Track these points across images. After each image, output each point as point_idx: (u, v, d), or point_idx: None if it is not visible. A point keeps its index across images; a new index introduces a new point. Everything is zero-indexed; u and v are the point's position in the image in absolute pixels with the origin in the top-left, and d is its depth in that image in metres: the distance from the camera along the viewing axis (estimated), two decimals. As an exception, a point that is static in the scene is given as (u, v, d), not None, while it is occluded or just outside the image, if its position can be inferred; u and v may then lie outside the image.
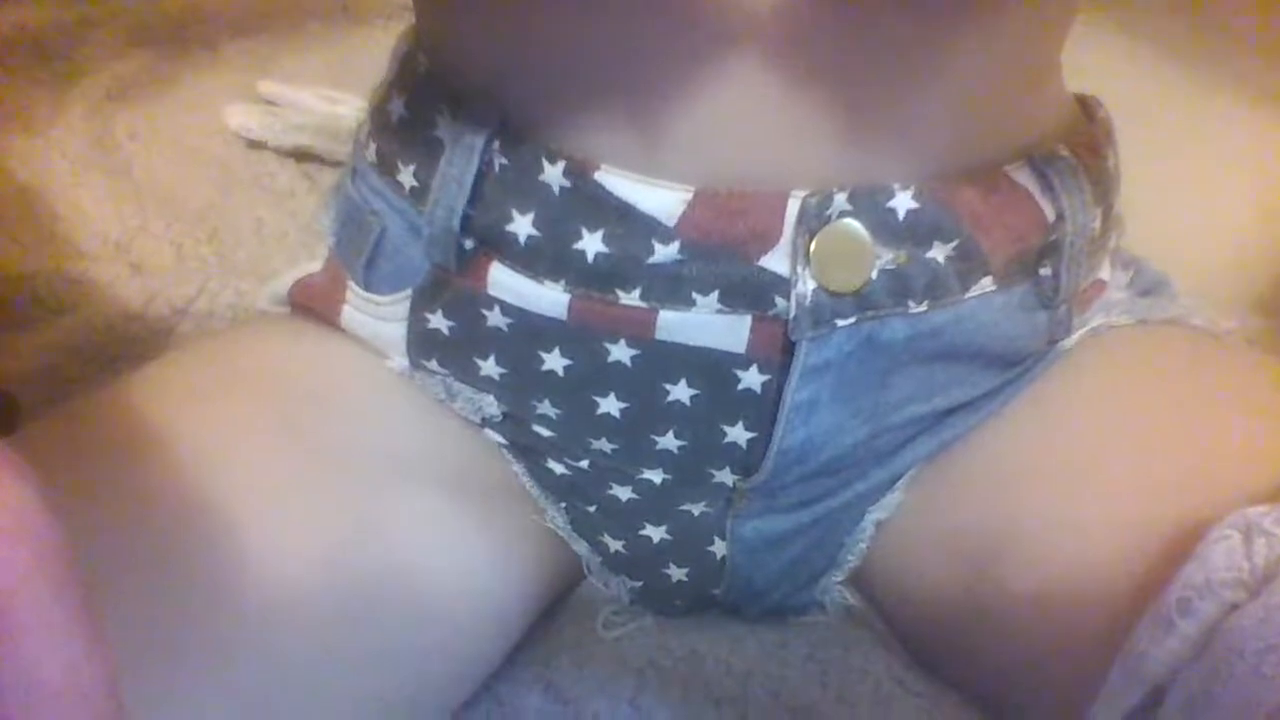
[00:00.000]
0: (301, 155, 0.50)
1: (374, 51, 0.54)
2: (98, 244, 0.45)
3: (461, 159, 0.29)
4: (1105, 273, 0.35)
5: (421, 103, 0.30)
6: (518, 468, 0.35)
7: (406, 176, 0.31)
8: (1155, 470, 0.30)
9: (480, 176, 0.29)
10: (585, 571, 0.37)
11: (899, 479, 0.34)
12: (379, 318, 0.33)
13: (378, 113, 0.32)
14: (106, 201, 0.47)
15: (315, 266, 0.35)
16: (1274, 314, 0.53)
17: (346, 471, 0.31)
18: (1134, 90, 0.57)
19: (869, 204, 0.28)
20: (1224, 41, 0.58)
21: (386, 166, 0.31)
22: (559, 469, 0.34)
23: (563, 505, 0.35)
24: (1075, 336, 0.34)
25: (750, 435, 0.31)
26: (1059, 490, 0.31)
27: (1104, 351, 0.34)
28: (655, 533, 0.34)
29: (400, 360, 0.33)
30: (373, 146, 0.32)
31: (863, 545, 0.35)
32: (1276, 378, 0.32)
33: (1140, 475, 0.30)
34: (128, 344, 0.41)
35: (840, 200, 0.28)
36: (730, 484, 0.33)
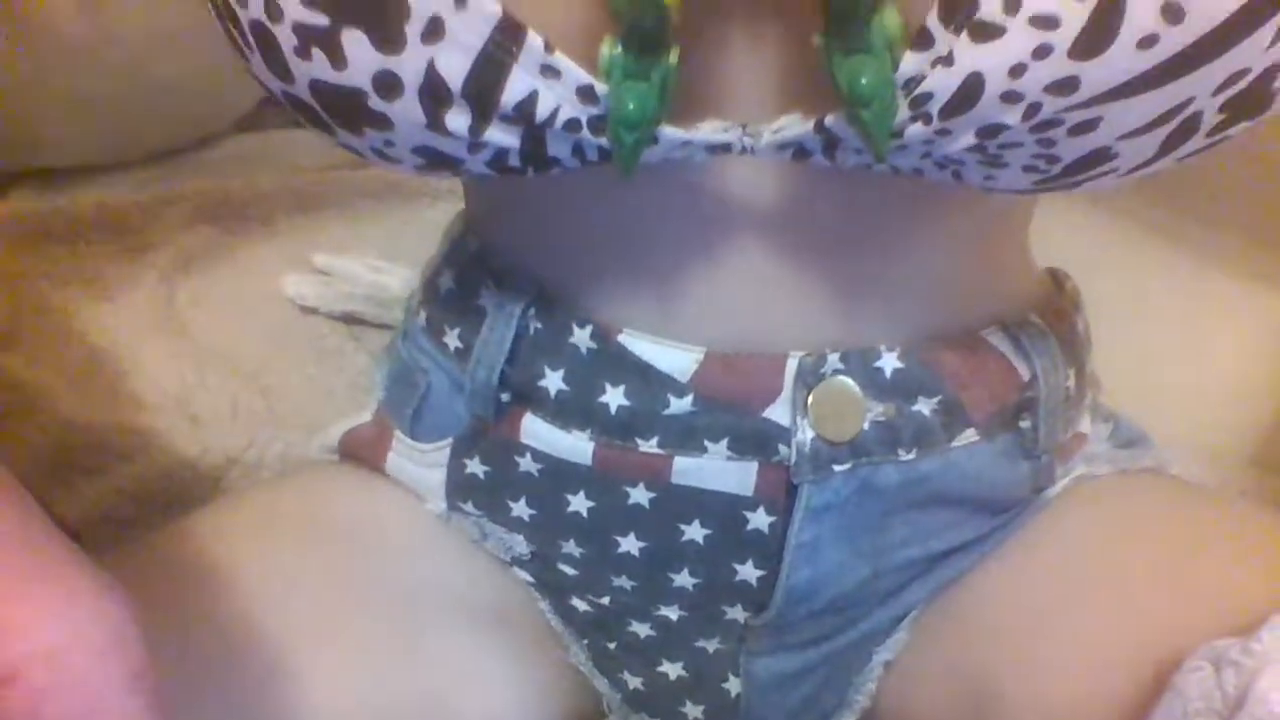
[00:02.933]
0: (350, 319, 0.55)
1: (418, 226, 0.60)
2: (159, 398, 0.49)
3: (502, 324, 0.33)
4: (1086, 426, 0.38)
5: (468, 276, 0.35)
6: (544, 605, 0.37)
7: (452, 339, 0.35)
8: (1134, 611, 0.32)
9: (517, 339, 0.33)
10: (605, 710, 0.39)
11: (902, 620, 0.36)
12: (422, 464, 0.36)
13: (428, 285, 0.37)
14: (168, 360, 0.52)
15: (364, 418, 0.39)
16: (1266, 468, 0.56)
17: (388, 608, 0.34)
18: (1125, 264, 0.62)
19: (859, 364, 0.31)
20: (1206, 224, 0.63)
21: (435, 330, 0.36)
22: (582, 606, 0.36)
23: (585, 642, 0.37)
24: (1060, 485, 0.36)
25: (760, 573, 0.34)
26: (1047, 632, 0.33)
27: (1086, 500, 0.36)
28: (672, 669, 0.36)
29: (439, 503, 0.36)
30: (423, 313, 0.37)
31: (871, 685, 0.37)
32: (1246, 520, 0.35)
33: (1121, 616, 0.32)
34: (182, 490, 0.44)
35: (833, 360, 0.31)
36: (742, 621, 0.35)
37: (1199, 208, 0.62)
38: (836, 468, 0.32)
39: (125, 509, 0.43)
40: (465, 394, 0.34)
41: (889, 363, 0.32)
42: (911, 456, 0.32)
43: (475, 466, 0.35)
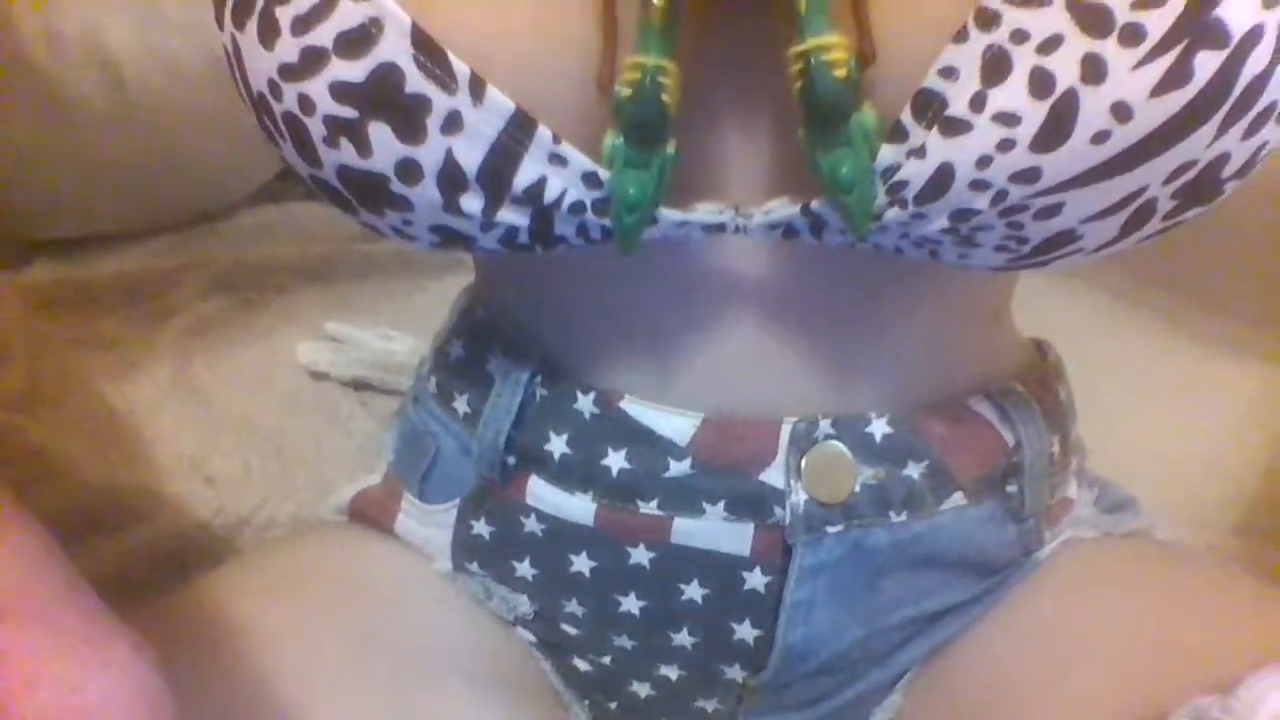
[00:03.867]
0: (359, 385, 0.56)
1: (426, 297, 0.63)
2: (174, 461, 0.51)
3: (509, 391, 0.35)
4: (1073, 491, 0.39)
5: (477, 345, 0.37)
6: (546, 665, 0.38)
7: (461, 404, 0.36)
8: (1120, 672, 0.33)
9: (524, 405, 0.35)
10: (606, 770, 0.39)
11: (898, 682, 0.37)
12: (430, 524, 0.38)
13: (439, 353, 0.39)
14: (185, 423, 0.53)
15: (374, 480, 0.41)
16: (1251, 534, 0.57)
17: (394, 668, 0.35)
18: (1111, 336, 0.64)
19: (849, 429, 0.33)
20: (1188, 299, 0.65)
21: (444, 396, 0.37)
22: (584, 666, 0.37)
23: (586, 702, 0.38)
24: (1048, 549, 0.38)
25: (756, 633, 0.35)
26: (1037, 695, 0.34)
27: (1074, 563, 0.37)
28: (672, 730, 0.37)
29: (445, 563, 0.38)
30: (433, 380, 0.38)
31: (868, 747, 0.38)
32: (1226, 582, 0.36)
33: (1107, 677, 0.33)
34: (196, 550, 0.45)
35: (825, 426, 0.33)
36: (740, 681, 0.36)
37: (1181, 282, 0.64)
38: (829, 529, 0.33)
39: (141, 569, 0.44)
40: (473, 457, 0.36)
41: (879, 428, 0.33)
42: (902, 519, 0.34)
43: (481, 527, 0.36)
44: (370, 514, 0.39)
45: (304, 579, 0.37)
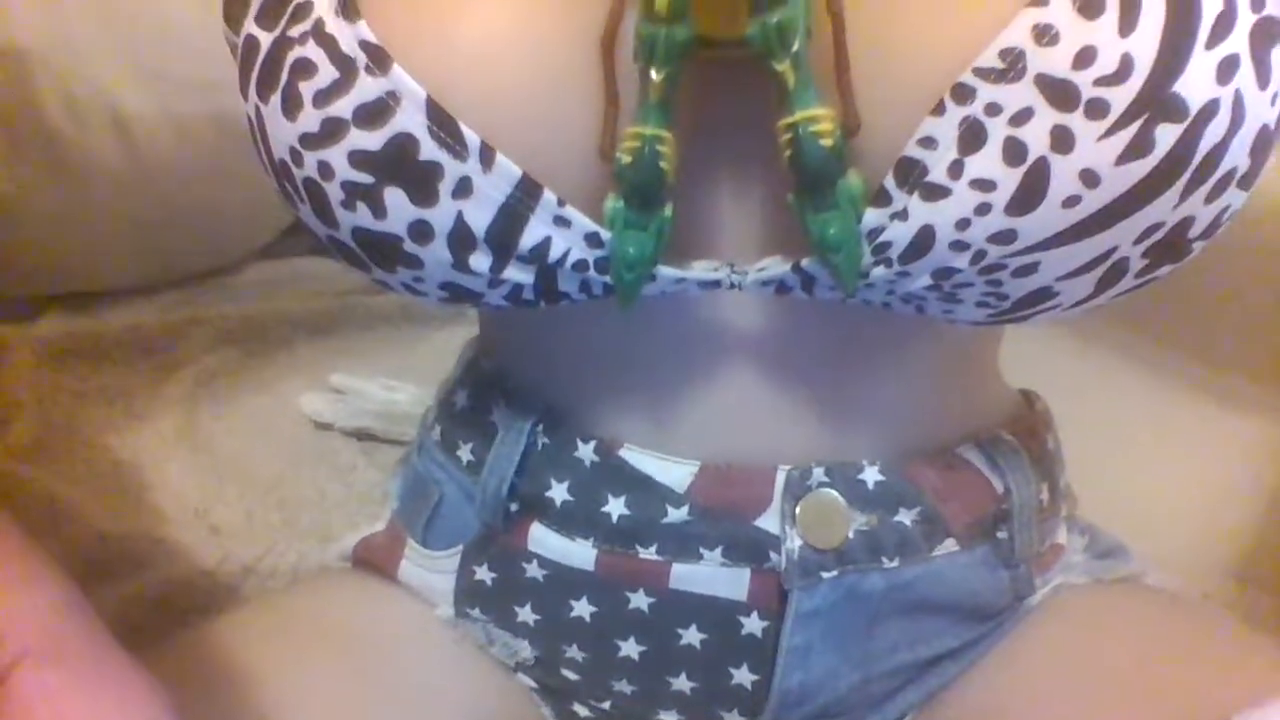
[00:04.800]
0: (362, 435, 0.58)
1: (428, 348, 0.64)
2: (180, 510, 0.51)
3: (512, 439, 0.36)
4: (1063, 538, 0.40)
5: (481, 395, 0.38)
6: (547, 711, 0.38)
7: (465, 453, 0.38)
8: (1112, 715, 0.34)
9: (526, 453, 0.36)
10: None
11: (895, 728, 0.38)
12: (433, 570, 0.38)
13: (444, 403, 0.40)
14: (190, 473, 0.54)
15: (378, 527, 0.41)
16: (1246, 582, 0.57)
17: (396, 711, 0.35)
18: (1104, 386, 0.65)
19: (842, 477, 0.34)
20: (1180, 350, 0.66)
21: (448, 445, 0.38)
22: (584, 711, 0.38)
23: (586, 748, 0.38)
24: (1040, 594, 0.38)
25: (754, 678, 0.35)
26: None
27: (1065, 608, 0.38)
28: (671, 775, 0.38)
29: (447, 609, 0.38)
30: (438, 429, 0.39)
31: (865, 794, 0.38)
32: (1214, 626, 0.37)
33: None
34: (200, 598, 0.46)
35: (819, 473, 0.34)
36: (737, 725, 0.37)
37: (1177, 336, 0.65)
38: (824, 574, 0.34)
39: (146, 615, 0.44)
40: (476, 504, 0.37)
41: (871, 476, 0.34)
42: (895, 564, 0.34)
43: (484, 573, 0.37)
44: (374, 560, 0.40)
45: (307, 624, 0.37)
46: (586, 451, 0.35)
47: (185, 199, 0.71)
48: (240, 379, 0.62)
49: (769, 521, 0.34)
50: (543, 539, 0.36)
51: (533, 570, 0.36)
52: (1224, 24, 0.24)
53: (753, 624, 0.35)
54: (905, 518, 0.35)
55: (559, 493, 0.35)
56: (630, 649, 0.36)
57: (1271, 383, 0.63)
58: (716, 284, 0.30)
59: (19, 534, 0.27)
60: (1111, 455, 0.56)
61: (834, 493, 0.34)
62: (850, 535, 0.34)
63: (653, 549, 0.34)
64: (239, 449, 0.56)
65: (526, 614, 0.37)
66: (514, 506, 0.36)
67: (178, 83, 0.69)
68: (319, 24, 0.27)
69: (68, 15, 0.68)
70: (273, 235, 0.76)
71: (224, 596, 0.46)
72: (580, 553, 0.35)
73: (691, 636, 0.35)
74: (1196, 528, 0.59)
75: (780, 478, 0.34)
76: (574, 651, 0.37)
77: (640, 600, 0.35)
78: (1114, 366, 0.66)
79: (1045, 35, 0.24)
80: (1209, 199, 0.25)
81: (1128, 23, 0.23)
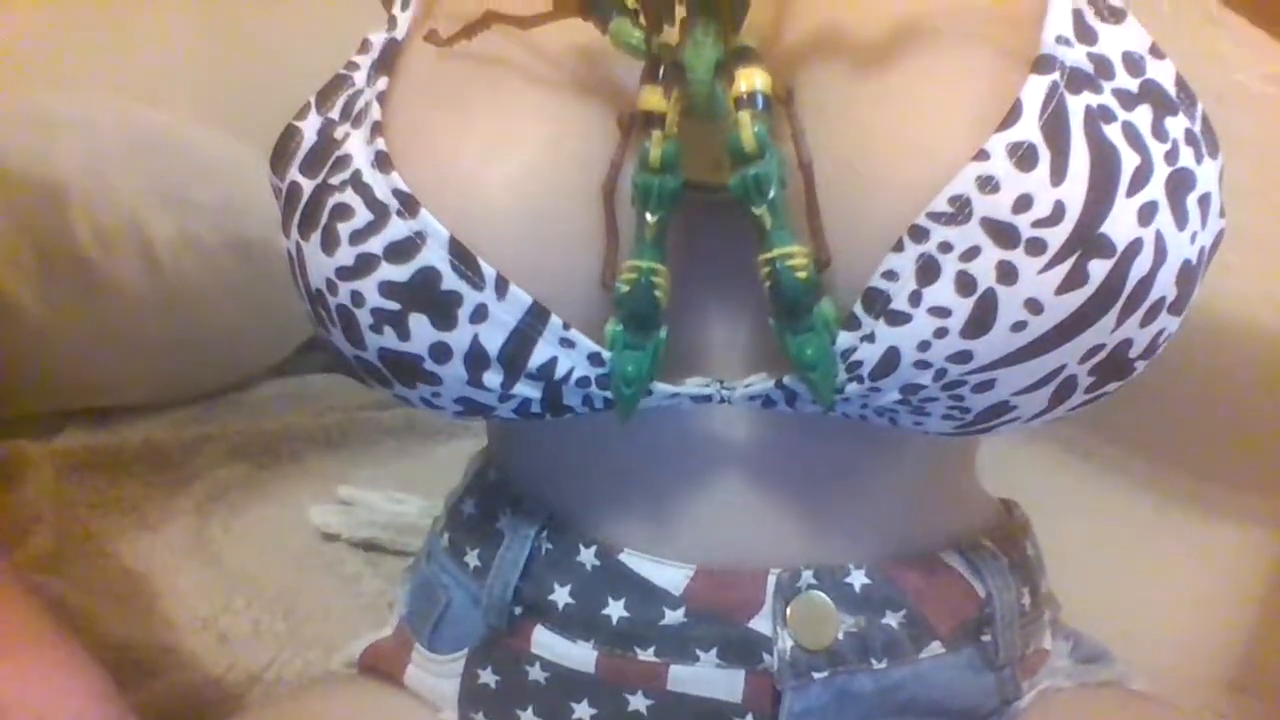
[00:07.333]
0: (369, 546, 0.59)
1: (434, 461, 0.66)
2: (189, 619, 0.53)
3: (517, 545, 0.38)
4: (1048, 643, 0.41)
5: (488, 503, 0.40)
6: (548, 814, 0.39)
7: (472, 559, 0.39)
8: None
9: (530, 558, 0.38)
10: None
11: (886, 830, 0.38)
12: (438, 675, 0.40)
13: (452, 511, 0.42)
14: (199, 584, 0.56)
15: (385, 634, 0.43)
16: (1241, 690, 0.58)
17: None
18: (1093, 501, 0.67)
19: (830, 579, 0.36)
20: (1165, 464, 0.68)
21: (456, 551, 0.40)
22: (583, 815, 0.38)
23: None
24: (1027, 699, 0.40)
25: (749, 778, 0.36)
26: None
27: (1051, 711, 0.39)
28: None
29: (451, 714, 0.39)
30: (446, 536, 0.41)
31: None
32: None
33: None
34: (208, 705, 0.47)
35: (807, 576, 0.36)
36: (734, 829, 0.37)
37: (1165, 450, 0.67)
38: (816, 675, 0.35)
39: (153, 725, 0.45)
40: (482, 608, 0.38)
41: (857, 579, 0.36)
42: (884, 665, 0.36)
43: (488, 676, 0.38)
44: (381, 666, 0.41)
45: (317, 729, 0.39)
46: (588, 556, 0.37)
47: (204, 319, 0.75)
48: (250, 491, 0.64)
49: (762, 623, 0.35)
50: (545, 641, 0.37)
51: (535, 673, 0.37)
52: (1141, 176, 0.27)
53: (747, 725, 0.36)
54: (891, 620, 0.36)
55: (561, 596, 0.37)
56: (629, 751, 0.37)
57: (1256, 492, 0.65)
58: (708, 398, 0.32)
59: None
60: (1100, 566, 0.58)
61: (822, 594, 0.36)
62: (839, 636, 0.35)
63: (651, 650, 0.36)
64: (247, 559, 0.58)
65: (529, 717, 0.38)
66: (518, 610, 0.38)
67: (197, 205, 0.73)
68: (357, 174, 0.30)
69: (102, 149, 0.73)
70: (287, 353, 0.79)
71: (231, 705, 0.47)
72: (581, 654, 0.37)
73: (688, 738, 0.36)
74: (1185, 637, 0.60)
75: (771, 580, 0.36)
76: (575, 754, 0.38)
77: (639, 702, 0.36)
78: (1102, 478, 0.68)
79: (988, 185, 0.27)
80: (1143, 324, 0.28)
81: (1058, 174, 0.27)
